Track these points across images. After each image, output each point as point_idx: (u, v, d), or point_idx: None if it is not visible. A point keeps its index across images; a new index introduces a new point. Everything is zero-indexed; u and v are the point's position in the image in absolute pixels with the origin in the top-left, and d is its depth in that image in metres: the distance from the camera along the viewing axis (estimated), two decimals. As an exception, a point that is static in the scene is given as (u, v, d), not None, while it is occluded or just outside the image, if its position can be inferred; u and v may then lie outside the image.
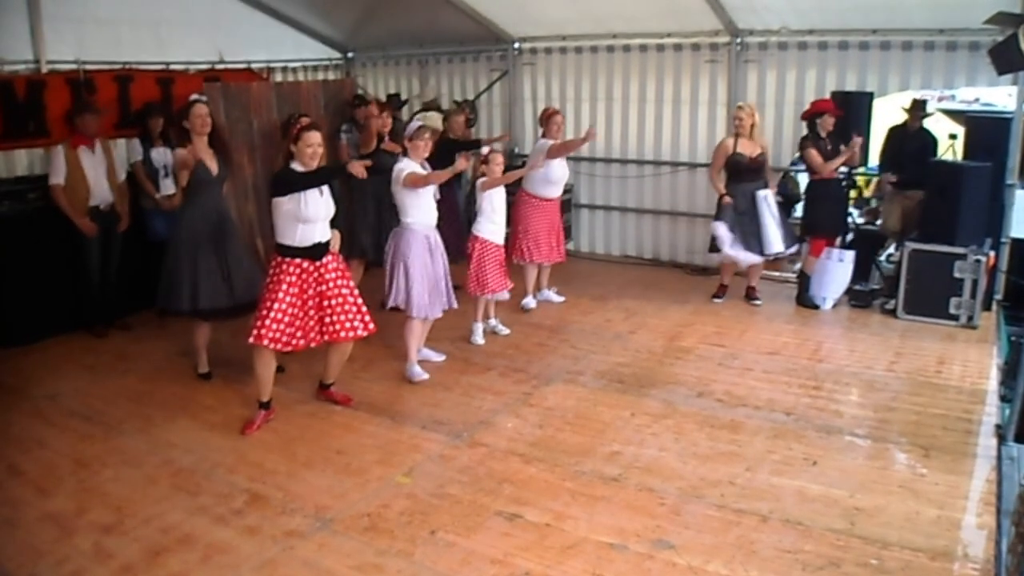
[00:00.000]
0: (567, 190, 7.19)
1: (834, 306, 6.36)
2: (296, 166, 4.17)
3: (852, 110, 6.19)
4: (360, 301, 4.42)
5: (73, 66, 6.43)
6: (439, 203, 5.10)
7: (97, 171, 5.72)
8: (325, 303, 4.30)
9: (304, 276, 4.25)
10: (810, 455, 3.97)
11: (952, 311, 5.80)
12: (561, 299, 6.61)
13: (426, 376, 4.92)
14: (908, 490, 3.62)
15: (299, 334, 4.25)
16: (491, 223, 5.47)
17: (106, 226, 5.78)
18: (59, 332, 5.80)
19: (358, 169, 4.15)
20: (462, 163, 4.94)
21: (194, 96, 4.92)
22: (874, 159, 6.95)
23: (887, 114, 6.84)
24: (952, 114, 8.68)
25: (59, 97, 6.22)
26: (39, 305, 5.73)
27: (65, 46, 6.41)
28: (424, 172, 4.90)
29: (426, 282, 4.86)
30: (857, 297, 6.39)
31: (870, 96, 6.39)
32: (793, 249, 6.37)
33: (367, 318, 4.41)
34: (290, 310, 4.20)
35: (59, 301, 5.81)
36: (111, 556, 3.22)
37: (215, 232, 4.76)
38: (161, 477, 3.85)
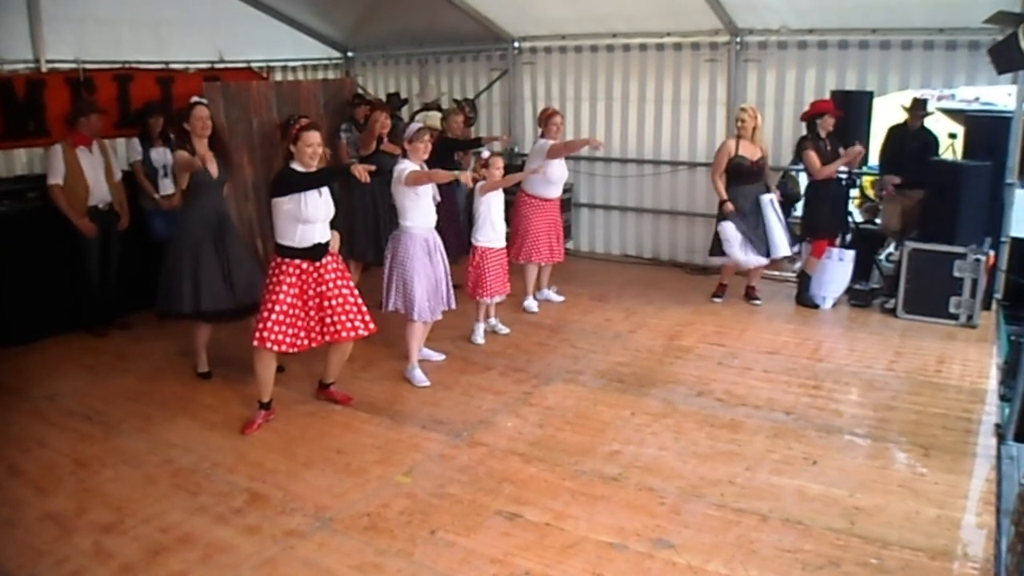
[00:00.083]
0: (567, 189, 7.19)
1: (834, 305, 6.36)
2: (296, 166, 4.17)
3: (852, 109, 6.19)
4: (360, 301, 4.42)
5: (73, 65, 6.44)
6: (439, 204, 5.09)
7: (96, 171, 5.72)
8: (325, 303, 4.30)
9: (304, 277, 4.25)
10: (810, 454, 3.97)
11: (952, 310, 5.80)
12: (561, 298, 6.61)
13: (427, 383, 4.91)
14: (908, 489, 3.62)
15: (301, 335, 4.26)
16: (490, 229, 5.46)
17: (105, 226, 5.78)
18: (59, 332, 5.80)
19: (362, 173, 4.14)
20: (467, 177, 4.93)
21: (195, 98, 4.92)
22: (874, 158, 6.94)
23: (887, 113, 6.84)
24: (952, 113, 8.67)
25: (59, 96, 6.23)
26: (39, 305, 5.73)
27: (65, 46, 6.41)
28: (425, 171, 4.89)
29: (426, 285, 4.86)
30: (857, 296, 6.39)
31: (870, 95, 6.39)
32: (795, 249, 6.37)
33: (367, 318, 4.41)
34: (291, 311, 4.20)
35: (59, 301, 5.81)
36: (111, 556, 3.22)
37: (215, 234, 4.76)
38: (161, 477, 3.85)
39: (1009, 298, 6.27)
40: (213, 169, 4.71)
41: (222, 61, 7.71)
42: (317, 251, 4.27)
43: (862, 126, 6.28)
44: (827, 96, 6.44)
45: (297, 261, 4.23)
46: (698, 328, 5.92)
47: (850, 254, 6.29)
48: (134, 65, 6.87)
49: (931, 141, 6.51)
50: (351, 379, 4.90)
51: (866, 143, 6.31)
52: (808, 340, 5.64)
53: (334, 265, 4.36)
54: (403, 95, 8.59)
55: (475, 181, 5.33)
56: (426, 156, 4.91)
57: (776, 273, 6.97)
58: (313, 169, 4.18)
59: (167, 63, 7.17)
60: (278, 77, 8.43)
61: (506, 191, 5.63)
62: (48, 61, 6.30)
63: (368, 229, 6.08)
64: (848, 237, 6.62)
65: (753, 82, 7.06)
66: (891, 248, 7.01)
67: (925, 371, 5.03)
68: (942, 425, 4.26)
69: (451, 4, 7.49)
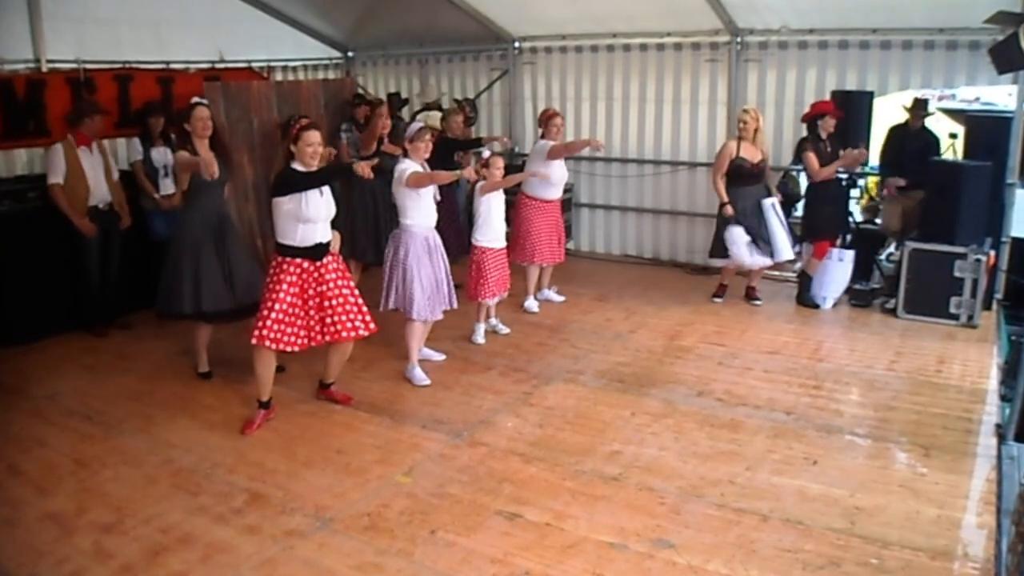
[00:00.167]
0: (567, 190, 7.19)
1: (834, 305, 6.36)
2: (297, 166, 4.17)
3: (852, 109, 6.19)
4: (360, 301, 4.42)
5: (73, 65, 6.44)
6: (439, 204, 5.09)
7: (96, 171, 5.72)
8: (326, 303, 4.30)
9: (304, 276, 4.25)
10: (810, 454, 3.97)
11: (952, 310, 5.80)
12: (561, 298, 6.61)
13: (428, 382, 4.91)
14: (908, 489, 3.62)
15: (301, 334, 4.26)
16: (490, 229, 5.46)
17: (105, 226, 5.77)
18: (59, 332, 5.80)
19: (364, 170, 4.14)
20: (470, 172, 4.94)
21: (195, 99, 4.92)
22: (874, 159, 6.94)
23: (887, 113, 6.84)
24: (952, 113, 8.68)
25: (59, 96, 6.23)
26: (39, 305, 5.73)
27: (65, 45, 6.41)
28: (427, 172, 4.90)
29: (426, 284, 4.86)
30: (857, 296, 6.39)
31: (870, 95, 6.38)
32: (796, 249, 6.37)
33: (368, 318, 4.41)
34: (291, 310, 4.20)
35: (59, 301, 5.81)
36: (111, 556, 3.21)
37: (216, 234, 4.76)
38: (161, 477, 3.85)
39: (1009, 298, 6.27)
40: (214, 169, 4.71)
41: (222, 61, 7.71)
42: (318, 251, 4.27)
43: (862, 126, 6.27)
44: (827, 96, 6.43)
45: (298, 260, 4.23)
46: (698, 328, 5.92)
47: (850, 254, 6.29)
48: (134, 65, 6.86)
49: (932, 141, 6.51)
50: (351, 379, 4.90)
51: (867, 143, 6.30)
52: (808, 340, 5.64)
53: (335, 265, 4.36)
54: (403, 95, 8.59)
55: (475, 181, 5.34)
56: (427, 156, 4.92)
57: (776, 273, 6.97)
58: (314, 169, 4.19)
59: (167, 63, 7.16)
60: (278, 77, 8.43)
61: (506, 192, 5.63)
62: (48, 61, 6.30)
63: (368, 229, 6.07)
64: (848, 237, 6.62)
65: (753, 82, 7.06)
66: (891, 248, 7.01)
67: (925, 371, 5.03)
68: (943, 425, 4.26)
69: (451, 4, 7.49)
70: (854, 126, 6.16)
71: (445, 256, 5.04)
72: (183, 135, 4.72)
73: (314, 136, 4.16)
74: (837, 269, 6.30)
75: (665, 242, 7.87)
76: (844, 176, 6.36)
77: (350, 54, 9.30)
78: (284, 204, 4.16)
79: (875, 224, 7.25)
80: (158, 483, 3.79)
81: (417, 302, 4.82)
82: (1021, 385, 4.03)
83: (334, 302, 4.30)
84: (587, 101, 7.95)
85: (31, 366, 5.30)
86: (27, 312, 5.68)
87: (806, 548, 3.18)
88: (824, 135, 6.07)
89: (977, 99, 12.66)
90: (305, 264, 4.24)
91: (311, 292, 4.27)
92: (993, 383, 4.83)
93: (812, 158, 6.03)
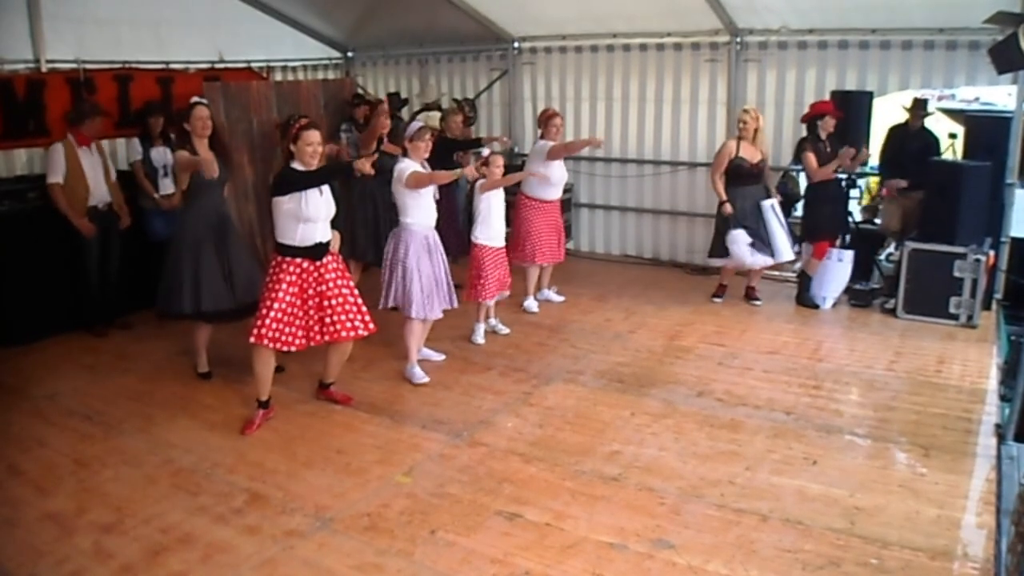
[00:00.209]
0: (567, 190, 7.19)
1: (834, 305, 6.36)
2: (297, 165, 4.18)
3: (852, 110, 6.19)
4: (360, 301, 4.42)
5: (73, 65, 6.43)
6: (438, 203, 5.10)
7: (96, 171, 5.72)
8: (325, 303, 4.30)
9: (304, 276, 4.25)
10: (810, 454, 3.97)
11: (952, 310, 5.80)
12: (561, 299, 6.61)
13: (427, 379, 4.92)
14: (908, 489, 3.62)
15: (299, 333, 4.26)
16: (489, 227, 5.46)
17: (104, 226, 5.77)
18: (59, 332, 5.80)
19: (364, 166, 4.14)
20: (471, 171, 4.94)
21: (195, 98, 4.92)
22: (874, 159, 6.94)
23: (887, 113, 6.84)
24: (952, 113, 8.67)
25: (59, 97, 6.23)
26: (39, 305, 5.73)
27: (65, 45, 6.41)
28: (427, 172, 4.90)
29: (425, 282, 4.86)
30: (857, 296, 6.39)
31: (870, 95, 6.38)
32: (795, 249, 6.37)
33: (367, 318, 4.41)
34: (290, 309, 4.21)
35: (59, 301, 5.81)
36: (111, 556, 3.22)
37: (216, 233, 4.76)
38: (161, 477, 3.85)
39: (1009, 298, 6.27)
40: (214, 169, 4.72)
41: (222, 61, 7.71)
42: (318, 250, 4.27)
43: (862, 126, 6.27)
44: (827, 96, 6.43)
45: (298, 260, 4.23)
46: (698, 328, 5.92)
47: (849, 254, 6.29)
48: (134, 65, 6.86)
49: (932, 142, 6.50)
50: (351, 379, 4.90)
51: (867, 143, 6.30)
52: (808, 340, 5.64)
53: (335, 265, 4.36)
54: (403, 95, 8.59)
55: (476, 179, 5.34)
56: (427, 155, 4.92)
57: (776, 273, 6.97)
58: (314, 168, 4.19)
59: (167, 63, 7.16)
60: (278, 77, 8.43)
61: (506, 192, 5.63)
62: (48, 61, 6.30)
63: (368, 229, 6.07)
64: (847, 238, 6.62)
65: (753, 82, 7.06)
66: (891, 248, 7.01)
67: (925, 371, 5.03)
68: (942, 425, 4.26)
69: (451, 4, 7.49)
70: (854, 126, 6.16)
71: (444, 256, 5.05)
72: (183, 135, 4.73)
73: (314, 135, 4.16)
74: (837, 269, 6.31)
75: (665, 242, 7.87)
76: (844, 176, 6.36)
77: (350, 54, 9.30)
78: (284, 203, 4.16)
79: (874, 224, 7.25)
80: (158, 483, 3.79)
81: (416, 301, 4.83)
82: (1021, 385, 4.03)
83: (333, 302, 4.30)
84: (587, 101, 7.95)
85: (31, 366, 5.30)
86: (27, 312, 5.68)
87: (806, 548, 3.18)
88: (824, 135, 6.07)
89: (977, 99, 12.66)
90: (305, 264, 4.25)
91: (311, 292, 4.27)
92: (993, 383, 4.83)
93: (811, 158, 6.03)
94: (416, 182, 4.76)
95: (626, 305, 6.50)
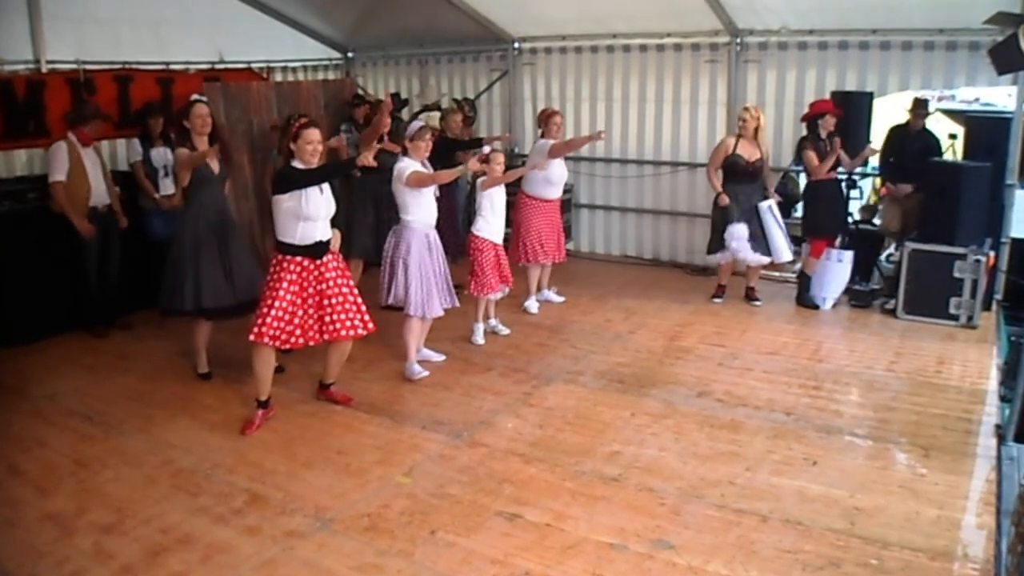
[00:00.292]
0: (567, 190, 7.19)
1: (834, 306, 6.36)
2: (297, 164, 4.18)
3: (852, 110, 6.19)
4: (360, 300, 4.42)
5: (73, 66, 6.43)
6: (438, 201, 5.10)
7: (96, 171, 5.73)
8: (325, 302, 4.30)
9: (304, 274, 4.26)
10: (810, 455, 3.97)
11: (952, 311, 5.80)
12: (561, 299, 6.61)
13: (426, 373, 4.93)
14: (908, 490, 3.62)
15: (299, 332, 4.25)
16: (488, 223, 5.46)
17: (104, 227, 5.77)
18: (59, 332, 5.80)
19: (368, 158, 4.13)
20: (474, 164, 4.94)
21: (194, 96, 4.92)
22: (874, 159, 6.94)
23: (887, 114, 6.83)
24: (952, 114, 8.68)
25: (59, 97, 6.23)
26: (39, 305, 5.73)
27: (65, 46, 6.41)
28: (427, 171, 4.90)
29: (424, 280, 4.86)
30: (857, 297, 6.39)
31: (870, 96, 6.39)
32: (795, 250, 6.37)
33: (367, 317, 4.41)
34: (290, 308, 4.21)
35: (59, 301, 5.81)
36: (111, 556, 3.21)
37: (217, 230, 4.77)
38: (161, 477, 3.85)
39: (1009, 299, 6.27)
40: (214, 165, 4.74)
41: (222, 61, 7.71)
42: (318, 249, 4.27)
43: (862, 127, 6.27)
44: (827, 97, 6.43)
45: (298, 259, 4.23)
46: (698, 329, 5.92)
47: (849, 255, 6.29)
48: (134, 66, 6.87)
49: (933, 143, 6.51)
50: (351, 379, 4.90)
51: (869, 143, 6.29)
52: (808, 341, 5.64)
53: (335, 264, 4.37)
54: (403, 96, 8.59)
55: (478, 172, 5.34)
56: (427, 155, 4.92)
57: (776, 274, 6.97)
58: (314, 166, 4.19)
59: (167, 64, 7.16)
60: (278, 77, 8.42)
61: (507, 189, 5.63)
62: (48, 61, 6.30)
63: (368, 228, 6.07)
64: (846, 238, 6.62)
65: (753, 83, 7.06)
66: (891, 249, 7.02)
67: (925, 372, 5.03)
68: (942, 426, 4.26)
69: (451, 4, 7.49)
70: (854, 127, 6.16)
71: (443, 254, 5.05)
72: (182, 133, 4.73)
73: (314, 134, 4.17)
74: (836, 270, 6.31)
75: (665, 243, 7.87)
76: (843, 176, 6.36)
77: (350, 55, 9.30)
78: (284, 202, 4.16)
79: (873, 224, 7.25)
80: (158, 483, 3.79)
81: (415, 298, 4.83)
82: (1021, 386, 4.03)
83: (333, 301, 4.30)
84: (587, 102, 7.95)
85: (31, 366, 5.30)
86: (27, 312, 5.69)
87: (806, 549, 3.18)
88: (824, 134, 6.07)
89: (977, 100, 12.66)
90: (305, 262, 4.25)
91: (311, 290, 4.28)
92: (993, 384, 4.83)
93: (812, 155, 6.04)
94: (417, 181, 4.76)
95: (626, 305, 6.50)
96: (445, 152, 5.98)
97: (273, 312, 4.15)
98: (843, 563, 3.09)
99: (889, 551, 3.15)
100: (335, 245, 4.42)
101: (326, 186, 4.28)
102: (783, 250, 6.17)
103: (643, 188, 7.85)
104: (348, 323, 4.33)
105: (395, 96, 8.26)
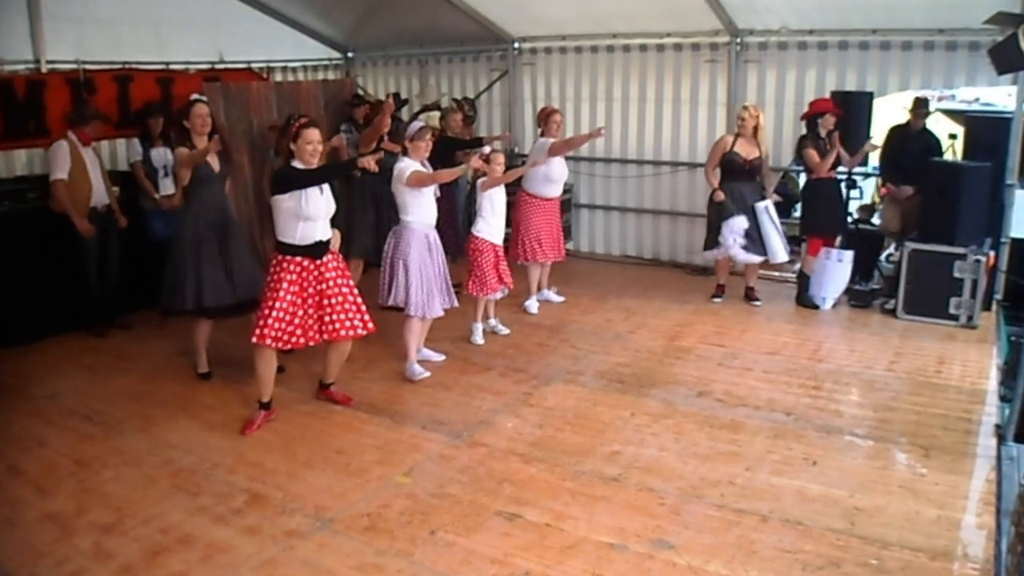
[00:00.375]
0: (567, 190, 7.20)
1: (834, 306, 6.36)
2: (297, 164, 4.18)
3: (852, 110, 6.19)
4: (360, 300, 4.42)
5: (73, 66, 6.44)
6: (438, 201, 5.10)
7: (96, 171, 5.73)
8: (325, 302, 4.30)
9: (304, 275, 4.26)
10: (810, 455, 3.97)
11: (952, 311, 5.80)
12: (561, 299, 6.61)
13: (427, 374, 4.93)
14: (908, 490, 3.62)
15: (299, 332, 4.26)
16: (489, 224, 5.46)
17: (104, 227, 5.77)
18: (59, 332, 5.80)
19: (370, 163, 4.14)
20: (476, 161, 4.94)
21: (194, 96, 4.93)
22: (874, 159, 6.94)
23: (887, 114, 6.83)
24: (952, 114, 8.68)
25: (59, 97, 6.23)
26: (39, 305, 5.73)
27: (65, 46, 6.41)
28: (427, 171, 4.90)
29: (425, 280, 4.86)
30: (857, 297, 6.39)
31: (870, 96, 6.39)
32: (792, 249, 6.37)
33: (367, 317, 4.41)
34: (291, 308, 4.21)
35: (59, 301, 5.81)
36: (111, 556, 3.22)
37: (217, 229, 4.78)
38: (161, 477, 3.85)
39: (1009, 299, 6.27)
40: (214, 164, 4.74)
41: (222, 61, 7.71)
42: (318, 249, 4.27)
43: (862, 127, 6.27)
44: (827, 96, 6.43)
45: (298, 259, 4.23)
46: (698, 329, 5.92)
47: (848, 255, 6.29)
48: (134, 66, 6.87)
49: (933, 144, 6.51)
50: (351, 379, 4.90)
51: (870, 140, 6.28)
52: (808, 341, 5.64)
53: (335, 264, 4.37)
54: (403, 95, 8.58)
55: (479, 170, 5.34)
56: (427, 155, 4.92)
57: (776, 274, 6.97)
58: (314, 166, 4.19)
59: (167, 64, 7.17)
60: (278, 77, 8.43)
61: (508, 189, 5.63)
62: (48, 61, 6.30)
63: (368, 228, 6.07)
64: (846, 238, 6.62)
65: (753, 83, 7.06)
66: (891, 249, 7.02)
67: (925, 372, 5.03)
68: (942, 426, 4.26)
69: (451, 4, 7.49)
70: (854, 127, 6.16)
71: (443, 254, 5.05)
72: (182, 132, 4.73)
73: (314, 134, 4.17)
74: (836, 270, 6.30)
75: (665, 242, 7.87)
76: (843, 176, 6.36)
77: (350, 55, 9.30)
78: (284, 202, 4.16)
79: (871, 224, 7.25)
80: (158, 483, 3.79)
81: (415, 299, 4.83)
82: (1021, 386, 4.03)
83: (333, 301, 4.30)
84: (587, 102, 7.95)
85: (31, 366, 5.30)
86: (27, 312, 5.69)
87: (806, 549, 3.18)
88: (823, 133, 6.07)
89: (976, 100, 12.67)
90: (305, 262, 4.25)
91: (311, 291, 4.28)
92: (993, 384, 4.83)
93: (812, 152, 6.05)
94: (418, 181, 4.76)
95: (626, 305, 6.50)
96: (445, 152, 5.98)
97: (275, 313, 4.15)
98: (843, 563, 3.09)
99: (889, 551, 3.15)
100: (335, 245, 4.42)
101: (326, 186, 4.29)
102: (779, 251, 6.17)
103: (643, 188, 7.85)
104: (348, 323, 4.33)
105: (395, 96, 8.30)
